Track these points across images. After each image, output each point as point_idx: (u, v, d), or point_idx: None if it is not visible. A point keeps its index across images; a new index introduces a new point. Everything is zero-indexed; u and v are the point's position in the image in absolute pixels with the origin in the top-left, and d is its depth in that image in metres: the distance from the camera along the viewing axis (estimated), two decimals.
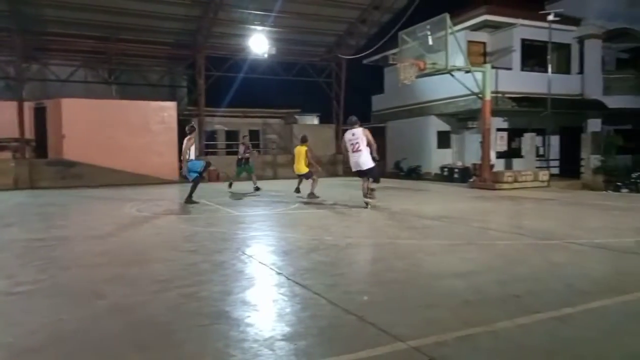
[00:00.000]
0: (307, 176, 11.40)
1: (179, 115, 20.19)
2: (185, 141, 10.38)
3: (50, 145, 17.94)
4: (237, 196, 12.17)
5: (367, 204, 9.00)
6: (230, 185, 13.79)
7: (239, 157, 13.99)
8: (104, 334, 2.98)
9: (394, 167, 21.65)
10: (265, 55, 20.28)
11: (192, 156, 10.28)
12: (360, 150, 8.90)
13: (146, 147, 18.44)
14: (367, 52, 20.45)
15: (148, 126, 18.64)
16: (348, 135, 9.16)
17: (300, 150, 11.42)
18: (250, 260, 5.05)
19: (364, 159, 8.89)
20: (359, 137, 8.95)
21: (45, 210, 10.13)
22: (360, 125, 9.30)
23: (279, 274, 4.41)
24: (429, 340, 2.75)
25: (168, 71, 23.17)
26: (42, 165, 17.16)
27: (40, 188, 15.74)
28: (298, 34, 21.42)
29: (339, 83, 23.53)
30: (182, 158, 10.34)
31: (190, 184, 10.52)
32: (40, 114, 18.19)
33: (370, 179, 9.07)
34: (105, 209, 10.23)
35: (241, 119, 23.79)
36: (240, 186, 13.90)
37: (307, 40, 22.26)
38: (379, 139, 23.95)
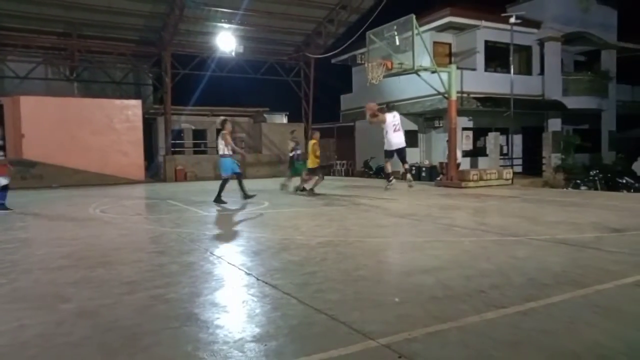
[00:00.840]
0: (314, 172, 11.81)
1: (144, 113, 19.76)
2: (222, 137, 9.90)
3: (9, 145, 17.22)
4: (206, 196, 12.00)
5: (411, 185, 10.96)
6: (283, 187, 13.00)
7: (291, 155, 13.14)
8: (69, 339, 2.89)
9: (363, 166, 21.84)
10: (233, 54, 20.09)
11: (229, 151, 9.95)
12: (400, 130, 10.44)
13: (110, 147, 17.99)
14: (336, 51, 20.56)
15: (112, 125, 18.19)
16: (390, 117, 10.35)
17: (310, 144, 12.11)
18: (220, 261, 5.00)
19: (403, 138, 10.51)
20: (398, 119, 10.52)
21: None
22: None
23: (248, 274, 4.39)
24: (399, 337, 2.79)
25: (133, 69, 22.63)
26: None
27: None
28: (266, 32, 21.33)
29: (308, 82, 23.56)
30: (233, 152, 10.07)
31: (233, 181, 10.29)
32: None
33: (406, 165, 10.99)
34: (69, 210, 9.91)
35: (209, 118, 23.51)
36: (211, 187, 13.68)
37: (275, 39, 22.18)
38: (347, 138, 23.95)
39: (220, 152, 9.94)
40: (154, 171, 21.53)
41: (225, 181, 10.04)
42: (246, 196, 10.09)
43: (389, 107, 10.59)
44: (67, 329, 3.06)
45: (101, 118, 18.00)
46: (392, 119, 10.35)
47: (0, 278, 4.33)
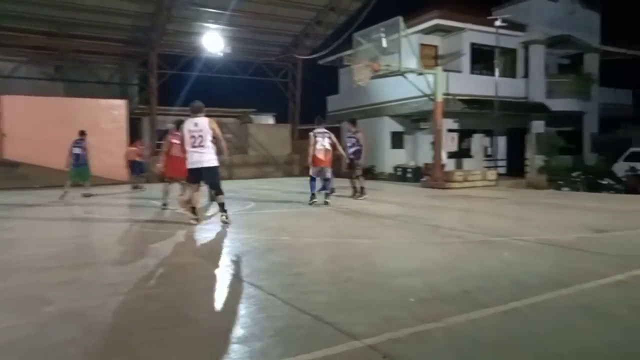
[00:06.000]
0: None
1: (129, 113, 19.56)
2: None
3: None
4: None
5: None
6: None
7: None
8: (55, 341, 2.85)
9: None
10: (221, 54, 20.00)
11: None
12: None
13: (96, 147, 17.70)
14: (323, 52, 20.58)
15: (97, 125, 17.94)
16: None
17: None
18: (205, 262, 4.97)
19: None
20: None
21: None
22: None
23: (234, 275, 4.37)
24: (384, 337, 2.80)
25: (119, 69, 22.40)
26: None
27: None
28: (254, 33, 21.27)
29: (295, 83, 23.55)
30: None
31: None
32: None
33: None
34: (54, 211, 9.77)
35: None
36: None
37: (263, 40, 22.14)
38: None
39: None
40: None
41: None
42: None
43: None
44: (52, 330, 3.02)
45: (86, 118, 17.73)
46: None
47: None
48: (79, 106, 17.93)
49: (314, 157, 9.69)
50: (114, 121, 18.30)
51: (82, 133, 12.49)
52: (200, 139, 6.94)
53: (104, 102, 18.78)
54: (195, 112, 7.09)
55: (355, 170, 10.71)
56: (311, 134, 9.91)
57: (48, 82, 20.94)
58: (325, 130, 9.91)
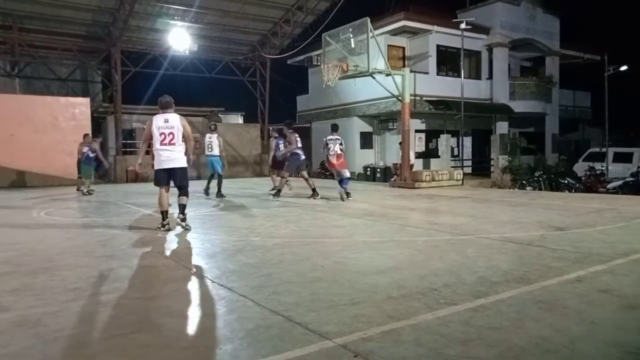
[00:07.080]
0: None
1: (92, 112, 18.99)
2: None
3: None
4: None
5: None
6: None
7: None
8: (7, 350, 2.72)
9: (320, 167, 21.90)
10: (187, 52, 19.66)
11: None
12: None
13: (55, 146, 17.14)
14: (292, 52, 20.53)
15: (57, 123, 17.35)
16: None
17: None
18: (173, 263, 4.86)
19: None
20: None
21: None
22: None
23: (203, 277, 4.29)
24: (355, 336, 2.81)
25: (80, 65, 21.69)
26: None
27: None
28: (221, 31, 21.03)
29: (264, 82, 23.41)
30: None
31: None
32: None
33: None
34: (8, 213, 9.36)
35: None
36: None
37: (230, 38, 21.91)
38: (303, 139, 24.22)
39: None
40: (103, 172, 20.71)
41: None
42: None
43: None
44: (5, 339, 2.87)
45: (44, 116, 17.14)
46: None
47: None
48: (36, 104, 17.29)
49: (328, 161, 10.94)
50: (74, 119, 17.72)
51: (93, 136, 14.42)
52: (171, 137, 6.57)
53: (64, 99, 18.17)
54: (164, 108, 6.71)
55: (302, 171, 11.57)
56: (324, 139, 11.04)
57: (4, 79, 20.12)
58: (337, 137, 10.88)
